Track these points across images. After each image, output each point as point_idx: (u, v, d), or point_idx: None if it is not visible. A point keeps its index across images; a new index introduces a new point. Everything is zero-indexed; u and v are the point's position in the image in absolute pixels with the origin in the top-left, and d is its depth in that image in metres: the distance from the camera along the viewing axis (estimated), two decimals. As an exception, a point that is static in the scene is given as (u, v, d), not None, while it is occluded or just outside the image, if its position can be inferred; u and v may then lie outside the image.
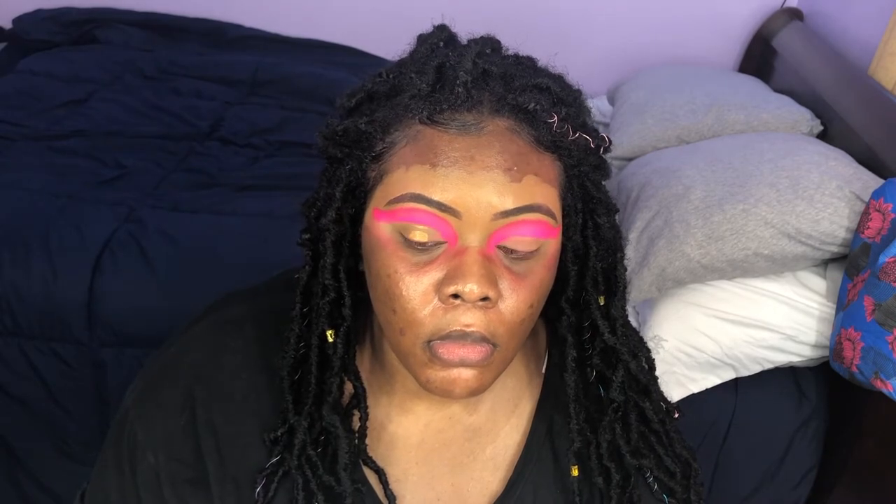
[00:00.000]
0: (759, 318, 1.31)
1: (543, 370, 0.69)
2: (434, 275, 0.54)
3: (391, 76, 0.58)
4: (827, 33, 2.06)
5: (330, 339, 0.61)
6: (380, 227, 0.55)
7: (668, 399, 0.69)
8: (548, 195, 0.55)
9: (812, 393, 1.36)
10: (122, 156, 1.76)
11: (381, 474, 0.62)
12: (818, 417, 1.35)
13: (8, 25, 2.38)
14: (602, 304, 0.63)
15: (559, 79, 0.60)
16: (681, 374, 1.33)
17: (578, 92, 0.61)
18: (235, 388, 0.64)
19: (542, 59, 0.62)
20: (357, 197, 0.59)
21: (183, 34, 2.41)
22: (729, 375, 1.34)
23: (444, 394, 0.56)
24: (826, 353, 1.31)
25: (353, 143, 0.57)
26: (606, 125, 1.97)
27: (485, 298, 0.53)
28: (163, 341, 0.71)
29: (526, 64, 0.60)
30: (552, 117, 0.55)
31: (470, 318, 0.54)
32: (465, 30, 0.65)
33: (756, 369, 1.34)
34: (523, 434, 0.68)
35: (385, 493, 0.62)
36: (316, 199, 0.62)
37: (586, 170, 0.60)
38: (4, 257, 1.40)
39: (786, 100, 1.74)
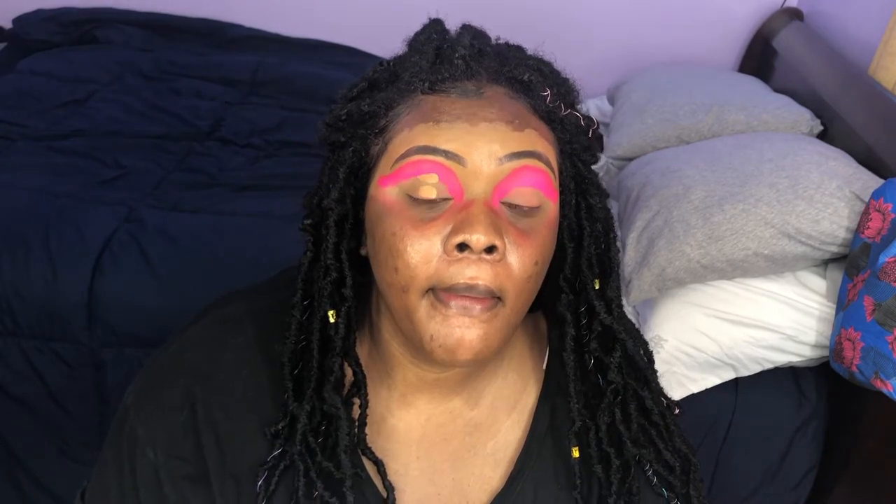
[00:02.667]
0: (760, 318, 1.31)
1: (544, 365, 0.70)
2: (440, 229, 0.54)
3: (391, 64, 0.61)
4: (827, 33, 2.06)
5: (332, 320, 0.61)
6: (385, 192, 0.56)
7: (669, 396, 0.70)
8: (547, 149, 0.58)
9: (812, 393, 1.36)
10: (122, 156, 1.76)
11: (379, 465, 0.62)
12: (818, 417, 1.35)
13: (8, 25, 2.38)
14: (597, 286, 0.64)
15: (547, 63, 0.63)
16: (681, 374, 1.33)
17: (566, 78, 0.64)
18: (235, 385, 0.64)
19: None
20: (360, 178, 0.60)
21: (183, 34, 2.41)
22: (729, 375, 1.34)
23: (448, 356, 0.55)
24: (826, 353, 1.31)
25: (357, 124, 0.59)
26: (606, 125, 1.97)
27: (491, 248, 0.53)
28: (163, 341, 0.71)
29: (515, 48, 0.64)
30: (545, 90, 0.59)
31: (475, 271, 0.53)
32: None
33: (756, 369, 1.34)
34: (524, 429, 0.68)
35: (383, 483, 0.62)
36: (318, 189, 0.63)
37: (577, 149, 0.62)
38: (4, 257, 1.40)
39: (786, 100, 1.74)
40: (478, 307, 0.54)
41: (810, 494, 1.40)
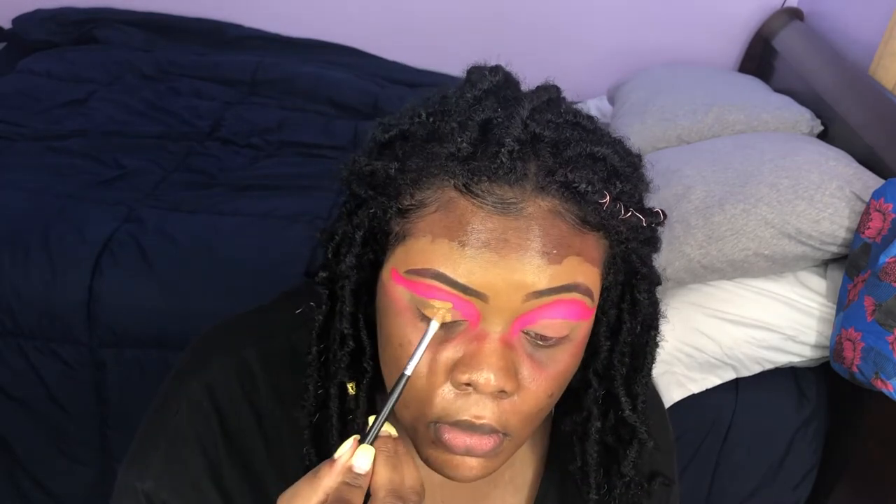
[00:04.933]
0: (760, 318, 1.31)
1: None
2: (449, 354, 0.50)
3: (431, 119, 0.52)
4: (827, 33, 2.06)
5: (351, 392, 0.56)
6: (397, 290, 0.51)
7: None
8: (589, 274, 0.51)
9: (812, 393, 1.36)
10: (122, 156, 1.76)
11: None
12: (818, 418, 1.35)
13: (8, 25, 2.38)
14: (626, 377, 0.60)
15: (618, 144, 0.54)
16: (681, 374, 1.33)
17: (638, 160, 0.56)
18: (256, 443, 0.61)
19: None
20: (378, 241, 0.54)
21: (183, 34, 2.41)
22: (729, 376, 1.34)
23: (444, 475, 0.53)
24: (826, 353, 1.31)
25: (380, 187, 0.52)
26: (606, 125, 1.96)
27: (500, 391, 0.50)
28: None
29: (584, 125, 0.53)
30: (604, 197, 0.49)
31: (481, 410, 0.50)
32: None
33: (756, 369, 1.34)
34: (540, 452, 0.67)
35: None
36: (334, 234, 0.57)
37: (634, 246, 0.55)
38: (4, 257, 1.40)
39: (786, 100, 1.74)
40: (481, 450, 0.51)
41: (810, 495, 1.40)
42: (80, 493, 1.49)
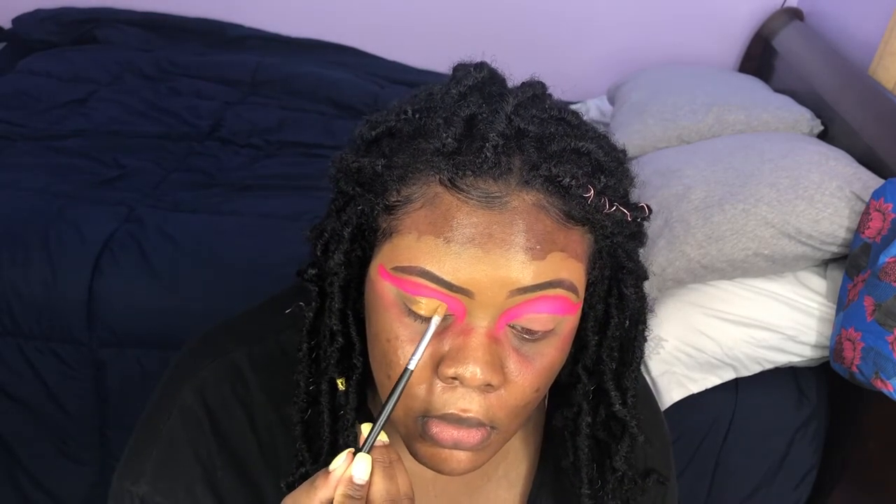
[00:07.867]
0: (760, 318, 1.31)
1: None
2: (436, 349, 0.51)
3: (417, 116, 0.52)
4: (827, 33, 2.06)
5: (341, 388, 0.57)
6: (384, 286, 0.51)
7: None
8: (573, 270, 0.51)
9: (812, 393, 1.36)
10: (122, 156, 1.76)
11: None
12: (818, 417, 1.35)
13: (8, 25, 2.38)
14: (615, 372, 0.60)
15: (603, 140, 0.54)
16: (681, 374, 1.33)
17: (623, 155, 0.56)
18: (249, 445, 0.61)
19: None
20: (366, 238, 0.55)
21: (183, 34, 2.41)
22: (729, 375, 1.34)
23: (433, 469, 0.54)
24: (826, 353, 1.31)
25: (367, 184, 0.53)
26: (606, 125, 1.97)
27: (487, 385, 0.50)
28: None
29: (569, 121, 0.53)
30: (588, 191, 0.50)
31: (468, 403, 0.50)
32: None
33: (756, 369, 1.34)
34: (534, 447, 0.67)
35: None
36: (323, 231, 0.57)
37: (620, 240, 0.55)
38: (4, 257, 1.40)
39: (786, 100, 1.74)
40: (469, 443, 0.52)
41: (810, 495, 1.40)
42: (80, 493, 1.49)
